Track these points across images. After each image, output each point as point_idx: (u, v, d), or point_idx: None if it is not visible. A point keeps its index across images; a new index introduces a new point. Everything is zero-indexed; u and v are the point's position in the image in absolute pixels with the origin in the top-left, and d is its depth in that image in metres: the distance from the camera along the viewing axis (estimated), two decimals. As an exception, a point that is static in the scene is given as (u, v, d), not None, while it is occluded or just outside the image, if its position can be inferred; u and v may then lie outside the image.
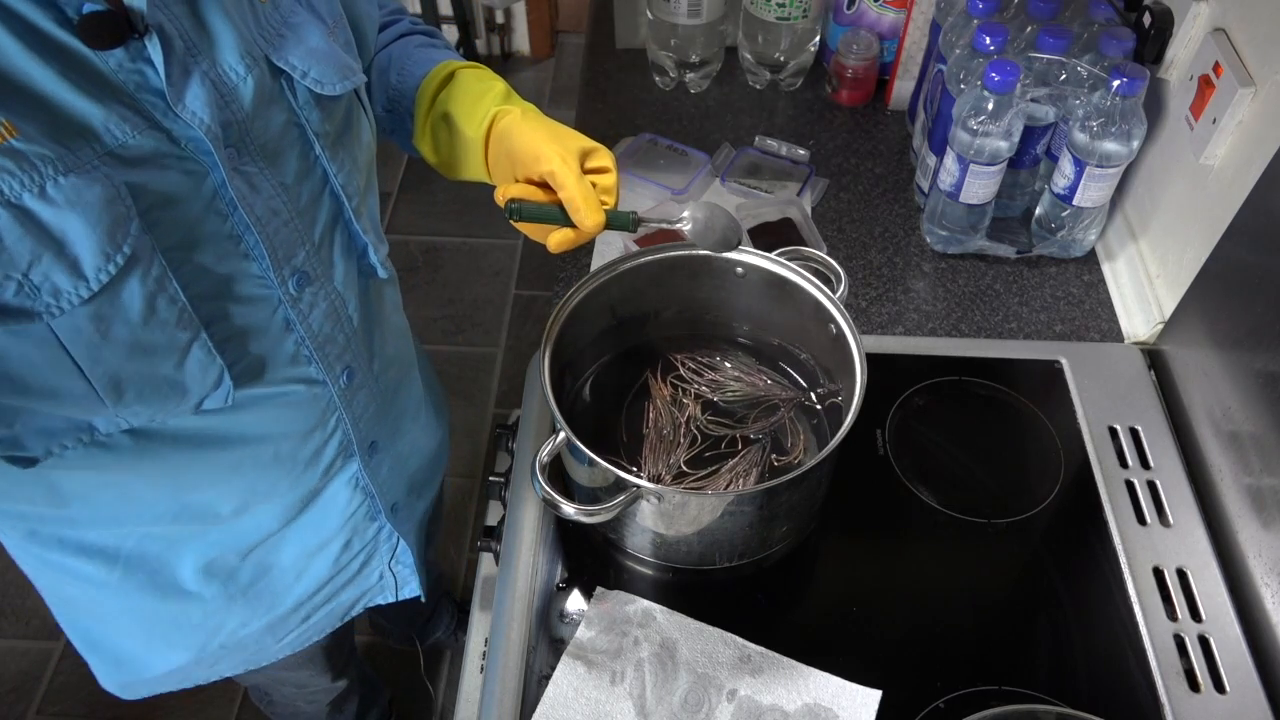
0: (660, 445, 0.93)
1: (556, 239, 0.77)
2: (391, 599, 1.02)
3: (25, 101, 0.50)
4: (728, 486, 0.89)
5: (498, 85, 0.82)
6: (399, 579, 1.01)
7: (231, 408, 0.69)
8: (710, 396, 0.96)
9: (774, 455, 0.92)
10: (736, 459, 0.91)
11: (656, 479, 0.90)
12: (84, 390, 0.59)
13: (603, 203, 0.76)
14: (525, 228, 0.78)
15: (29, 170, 0.50)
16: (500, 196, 0.77)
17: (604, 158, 0.77)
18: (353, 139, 0.72)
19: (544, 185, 0.76)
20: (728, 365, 0.98)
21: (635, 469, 0.91)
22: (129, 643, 0.92)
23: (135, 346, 0.59)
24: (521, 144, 0.76)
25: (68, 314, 0.55)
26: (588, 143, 0.77)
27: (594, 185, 0.75)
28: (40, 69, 0.51)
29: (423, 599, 1.04)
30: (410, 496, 0.98)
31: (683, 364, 0.99)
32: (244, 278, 0.65)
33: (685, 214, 0.85)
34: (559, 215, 0.76)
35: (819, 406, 0.94)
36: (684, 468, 0.91)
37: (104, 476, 0.71)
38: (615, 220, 0.77)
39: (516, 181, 0.77)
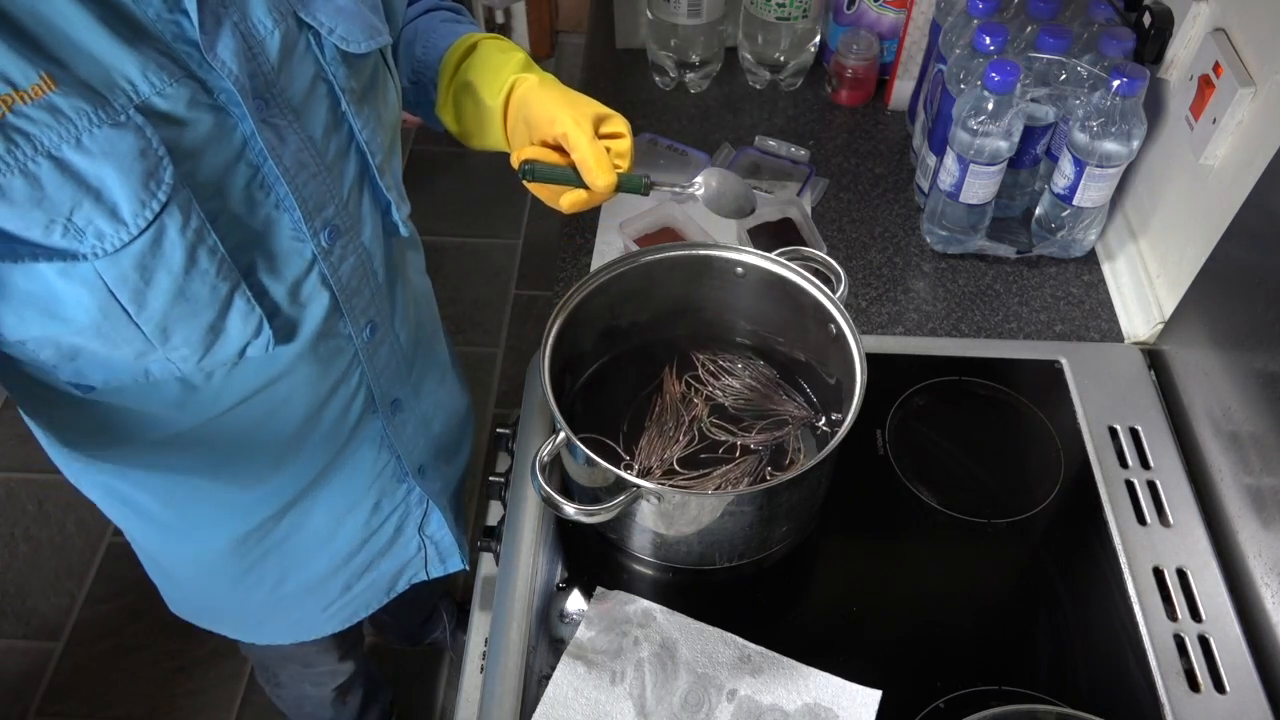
0: (659, 439, 0.93)
1: (569, 199, 0.79)
2: (437, 572, 1.05)
3: (66, 48, 0.54)
4: (717, 489, 0.89)
5: (518, 55, 0.84)
6: (439, 549, 1.03)
7: (266, 358, 0.72)
8: (721, 400, 0.96)
9: (769, 469, 0.92)
10: (731, 465, 0.91)
11: (646, 472, 0.90)
12: (134, 333, 0.64)
13: (616, 166, 0.77)
14: (538, 189, 0.80)
15: (65, 123, 0.54)
16: (515, 159, 0.79)
17: (619, 124, 0.79)
18: (378, 98, 0.74)
19: (559, 149, 0.78)
20: (746, 373, 0.98)
21: (628, 458, 0.92)
22: (175, 586, 0.99)
23: (179, 295, 0.63)
24: (537, 109, 0.78)
25: (112, 257, 0.59)
26: (603, 109, 0.79)
27: (609, 150, 0.77)
28: (82, 16, 0.54)
29: (466, 569, 1.07)
30: (437, 460, 1.00)
31: (702, 364, 0.99)
32: (279, 230, 0.68)
33: (698, 179, 0.85)
34: (572, 177, 0.77)
35: (826, 430, 0.94)
36: (676, 466, 0.91)
37: (153, 427, 0.75)
38: (627, 183, 0.78)
39: (532, 145, 0.79)
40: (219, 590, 0.96)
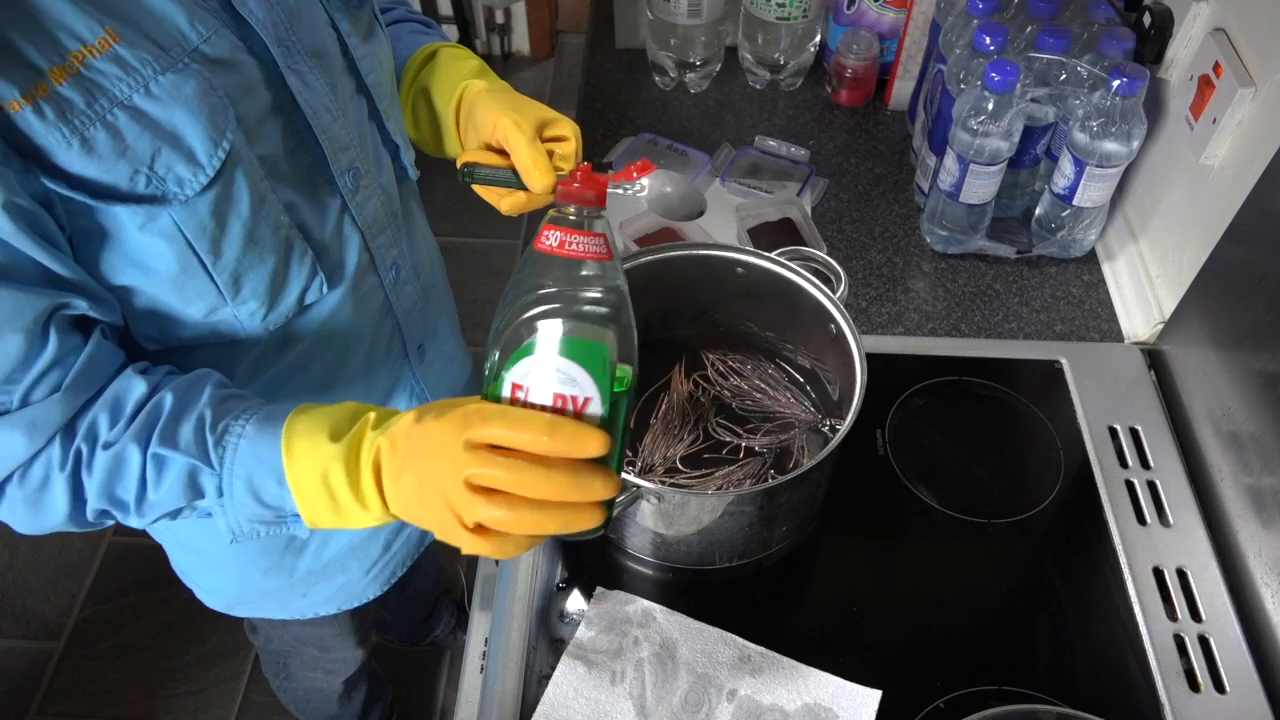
0: (663, 437, 0.93)
1: (509, 202, 0.81)
2: None
3: (125, 4, 0.58)
4: (718, 490, 0.89)
5: (472, 62, 0.87)
6: None
7: (315, 309, 0.77)
8: (728, 401, 0.96)
9: (773, 472, 0.92)
10: (734, 467, 0.91)
11: (649, 469, 0.90)
12: (208, 285, 0.68)
13: (558, 169, 0.79)
14: (483, 192, 0.83)
15: (133, 73, 0.58)
16: (459, 162, 0.82)
17: (564, 128, 0.81)
18: (377, 47, 0.79)
19: (503, 152, 0.80)
20: (754, 374, 0.98)
21: (630, 454, 0.92)
22: (220, 574, 1.00)
23: (249, 239, 0.68)
24: (482, 113, 0.81)
25: (190, 205, 0.63)
26: (549, 113, 0.81)
27: (553, 154, 0.79)
28: None
29: None
30: None
31: (711, 364, 0.99)
32: (312, 173, 0.73)
33: (643, 181, 0.85)
34: (512, 179, 0.79)
35: (829, 434, 0.94)
36: (679, 465, 0.91)
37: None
38: None
39: (477, 148, 0.82)
40: (264, 565, 0.97)
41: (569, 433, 0.55)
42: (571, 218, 0.61)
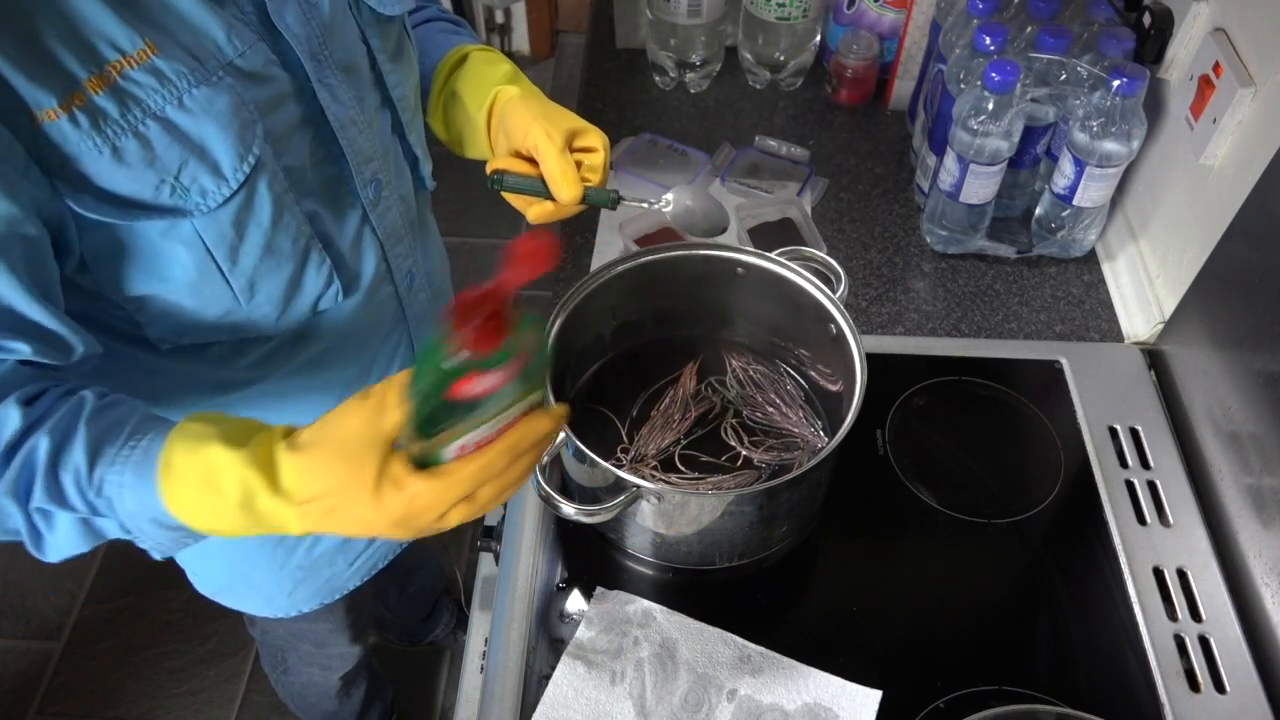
0: (661, 429, 0.93)
1: (535, 211, 0.81)
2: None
3: (164, 15, 0.59)
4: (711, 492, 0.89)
5: (504, 66, 0.87)
6: None
7: (329, 314, 0.77)
8: (738, 409, 0.96)
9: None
10: (728, 476, 0.91)
11: (641, 458, 0.91)
12: (224, 291, 0.68)
13: (586, 180, 0.79)
14: (509, 199, 0.83)
15: (168, 85, 0.59)
16: (489, 168, 0.82)
17: (593, 138, 0.81)
18: (405, 61, 0.81)
19: (533, 161, 0.80)
20: (770, 389, 0.98)
21: (626, 443, 0.92)
22: (213, 560, 1.00)
23: (267, 249, 0.68)
24: (514, 120, 0.81)
25: (212, 215, 0.64)
26: (579, 123, 0.81)
27: (581, 164, 0.79)
28: None
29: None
30: None
31: (733, 370, 0.99)
32: (335, 184, 0.74)
33: (668, 196, 0.86)
34: (540, 188, 0.79)
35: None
36: (677, 464, 0.91)
37: (222, 389, 0.79)
38: (595, 197, 0.80)
39: (507, 155, 0.82)
40: (256, 560, 0.97)
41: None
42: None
